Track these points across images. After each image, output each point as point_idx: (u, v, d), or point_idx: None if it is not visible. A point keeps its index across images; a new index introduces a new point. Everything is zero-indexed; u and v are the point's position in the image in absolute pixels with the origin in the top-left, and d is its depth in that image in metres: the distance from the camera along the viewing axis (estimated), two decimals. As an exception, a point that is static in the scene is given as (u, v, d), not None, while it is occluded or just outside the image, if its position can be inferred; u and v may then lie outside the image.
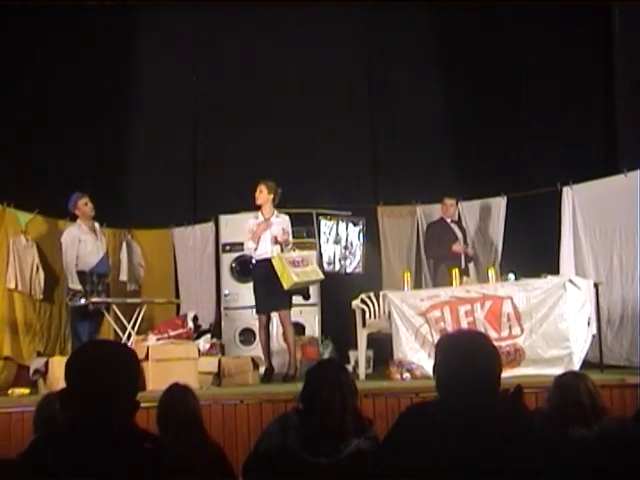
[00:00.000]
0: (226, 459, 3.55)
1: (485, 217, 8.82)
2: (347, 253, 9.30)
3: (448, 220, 8.29)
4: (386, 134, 9.56)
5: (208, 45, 9.28)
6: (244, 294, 8.33)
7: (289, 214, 7.06)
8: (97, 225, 7.43)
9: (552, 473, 2.37)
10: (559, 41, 8.41)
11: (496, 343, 2.76)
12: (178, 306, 8.86)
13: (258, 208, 6.90)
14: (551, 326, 5.97)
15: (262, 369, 6.90)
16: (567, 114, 8.27)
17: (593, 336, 6.24)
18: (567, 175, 7.81)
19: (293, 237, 7.01)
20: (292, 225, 7.01)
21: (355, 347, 7.04)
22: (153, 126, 9.14)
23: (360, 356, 6.84)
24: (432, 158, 9.08)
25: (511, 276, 6.53)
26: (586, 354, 6.11)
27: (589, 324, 6.18)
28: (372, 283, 8.19)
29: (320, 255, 8.79)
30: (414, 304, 6.47)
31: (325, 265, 8.80)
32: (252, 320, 7.88)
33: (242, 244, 7.15)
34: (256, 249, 6.78)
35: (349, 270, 9.29)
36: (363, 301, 6.86)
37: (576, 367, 5.67)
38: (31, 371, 6.31)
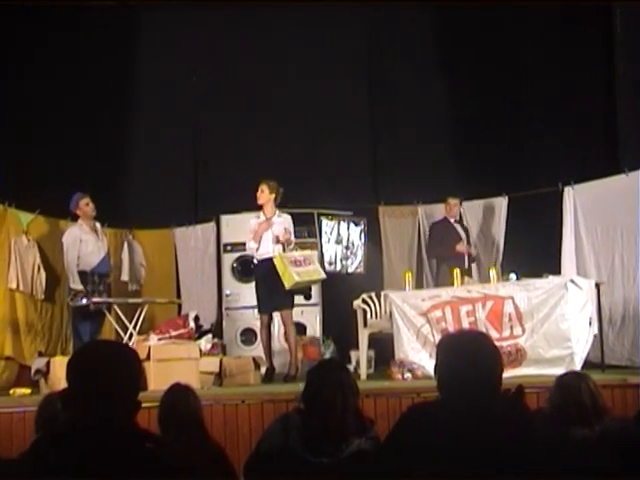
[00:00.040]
0: (227, 459, 3.55)
1: (486, 217, 8.82)
2: (348, 253, 9.30)
3: (451, 220, 8.27)
4: (387, 134, 9.55)
5: (208, 45, 9.27)
6: (245, 294, 8.34)
7: (290, 214, 7.06)
8: (98, 225, 7.43)
9: (553, 473, 2.37)
10: (561, 41, 8.40)
11: (497, 343, 2.76)
12: (179, 306, 8.87)
13: (260, 208, 6.90)
14: (552, 326, 5.97)
15: (263, 369, 6.90)
16: (568, 114, 8.25)
17: (594, 336, 6.24)
18: (568, 175, 7.80)
19: (294, 237, 7.01)
20: (293, 225, 7.01)
21: (356, 347, 7.04)
22: (153, 126, 9.14)
23: (361, 356, 6.85)
24: (433, 158, 9.07)
25: (512, 276, 6.52)
26: (587, 354, 6.11)
27: (590, 324, 6.18)
28: (373, 283, 8.18)
29: (321, 255, 8.78)
30: (415, 304, 6.47)
31: (326, 265, 8.80)
32: (253, 320, 7.89)
33: (243, 244, 7.15)
34: (258, 249, 6.78)
35: (350, 270, 9.29)
36: (364, 301, 6.87)
37: (577, 367, 5.67)
38: (32, 371, 6.32)
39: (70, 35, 8.22)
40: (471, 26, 8.76)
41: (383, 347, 7.11)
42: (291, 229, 6.88)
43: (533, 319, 6.04)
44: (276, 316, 6.93)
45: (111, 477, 1.96)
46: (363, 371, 6.78)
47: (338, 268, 9.19)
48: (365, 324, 6.85)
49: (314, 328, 8.50)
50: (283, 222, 6.82)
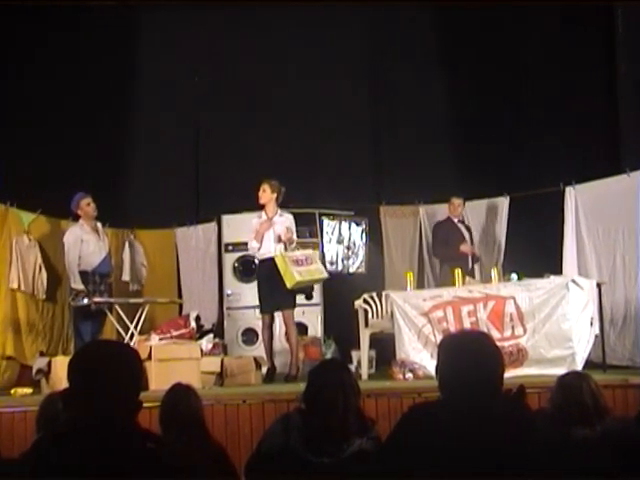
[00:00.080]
0: (228, 459, 3.55)
1: (488, 217, 8.81)
2: (350, 253, 9.30)
3: (455, 220, 8.24)
4: (387, 134, 9.56)
5: (208, 45, 9.27)
6: (246, 294, 8.35)
7: (292, 214, 7.06)
8: (99, 225, 7.43)
9: (555, 473, 2.37)
10: (562, 41, 8.39)
11: (499, 343, 2.76)
12: (180, 306, 8.87)
13: (262, 207, 6.90)
14: (554, 326, 5.97)
15: (264, 369, 6.90)
16: (570, 114, 8.25)
17: (596, 336, 6.23)
18: (570, 175, 7.80)
19: (296, 237, 7.00)
20: (295, 225, 7.00)
21: (358, 347, 7.04)
22: (154, 126, 9.14)
23: (362, 356, 6.84)
24: (434, 158, 9.07)
25: (514, 276, 6.52)
26: (589, 354, 6.10)
27: (592, 324, 6.18)
28: (375, 283, 8.18)
29: (323, 255, 8.78)
30: (417, 304, 6.47)
31: (328, 265, 8.79)
32: (254, 320, 7.90)
33: (245, 244, 7.16)
34: (259, 248, 6.77)
35: (352, 270, 9.29)
36: (366, 301, 6.87)
37: (579, 367, 5.67)
38: (34, 371, 6.32)
39: (70, 35, 8.22)
40: (471, 26, 8.75)
41: (384, 347, 7.10)
42: (293, 228, 6.86)
43: (534, 319, 6.04)
44: (277, 316, 6.93)
45: (112, 477, 1.96)
46: (364, 371, 6.77)
47: (339, 268, 9.19)
48: (366, 324, 6.85)
49: (315, 328, 8.50)
50: (285, 221, 6.81)
